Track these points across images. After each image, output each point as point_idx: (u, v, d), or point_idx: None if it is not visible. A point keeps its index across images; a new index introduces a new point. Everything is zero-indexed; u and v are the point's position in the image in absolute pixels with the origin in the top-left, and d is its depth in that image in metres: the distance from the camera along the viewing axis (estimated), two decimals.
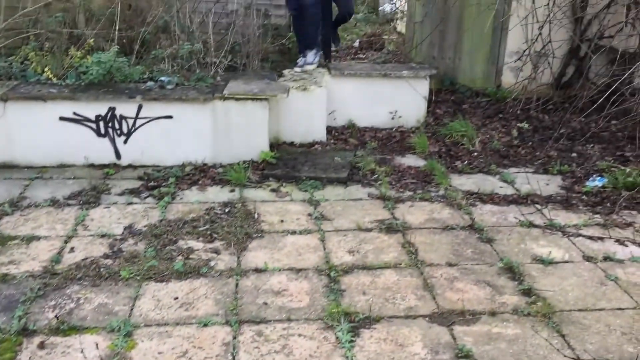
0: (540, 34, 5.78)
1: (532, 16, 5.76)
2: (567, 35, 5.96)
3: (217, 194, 4.15)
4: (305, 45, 5.47)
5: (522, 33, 5.89)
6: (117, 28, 5.09)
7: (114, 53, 4.70)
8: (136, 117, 4.50)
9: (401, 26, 8.12)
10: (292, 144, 5.12)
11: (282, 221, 3.78)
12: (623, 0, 5.60)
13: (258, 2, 5.67)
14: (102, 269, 3.16)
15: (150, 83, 4.70)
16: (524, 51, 5.93)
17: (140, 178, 4.38)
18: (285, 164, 4.63)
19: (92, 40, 4.89)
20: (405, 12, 6.69)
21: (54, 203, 3.93)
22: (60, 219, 3.73)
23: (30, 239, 3.47)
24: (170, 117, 4.52)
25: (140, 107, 4.47)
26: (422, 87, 5.52)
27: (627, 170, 4.34)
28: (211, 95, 4.55)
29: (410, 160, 4.86)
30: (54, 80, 4.63)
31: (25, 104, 4.38)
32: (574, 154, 4.96)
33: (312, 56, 5.41)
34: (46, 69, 4.66)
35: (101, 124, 4.48)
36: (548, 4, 5.71)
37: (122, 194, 4.12)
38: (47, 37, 5.00)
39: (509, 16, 5.98)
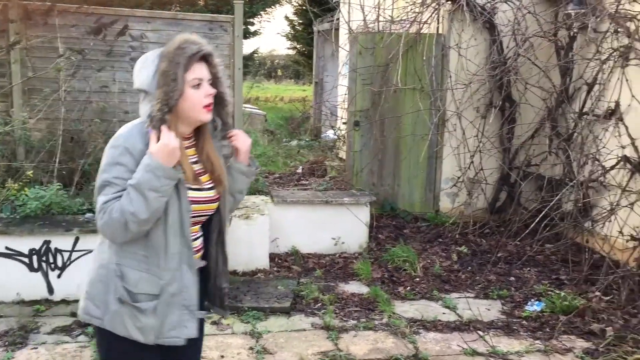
0: (472, 162, 6.11)
1: (463, 146, 6.12)
2: (497, 163, 6.31)
3: None
4: None
5: (456, 161, 6.21)
6: (57, 160, 5.07)
7: (56, 189, 4.65)
8: (72, 250, 4.37)
9: (343, 153, 8.43)
10: (234, 272, 5.04)
11: (222, 357, 3.64)
12: (545, 132, 6.04)
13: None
14: None
15: (89, 215, 4.62)
16: (458, 178, 6.23)
17: (73, 314, 4.17)
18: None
19: (31, 172, 4.84)
20: (345, 141, 6.97)
21: None
22: None
23: None
24: None
25: (77, 240, 4.36)
26: (363, 214, 5.64)
27: (563, 294, 4.45)
28: None
29: (354, 287, 4.85)
30: None
31: None
32: (512, 278, 5.07)
33: None
34: None
35: (34, 258, 4.32)
36: (477, 136, 6.10)
37: (52, 332, 3.90)
38: None
39: (443, 146, 6.34)
